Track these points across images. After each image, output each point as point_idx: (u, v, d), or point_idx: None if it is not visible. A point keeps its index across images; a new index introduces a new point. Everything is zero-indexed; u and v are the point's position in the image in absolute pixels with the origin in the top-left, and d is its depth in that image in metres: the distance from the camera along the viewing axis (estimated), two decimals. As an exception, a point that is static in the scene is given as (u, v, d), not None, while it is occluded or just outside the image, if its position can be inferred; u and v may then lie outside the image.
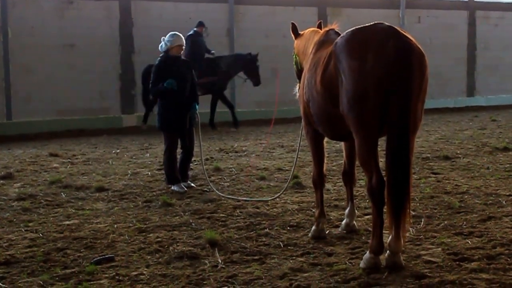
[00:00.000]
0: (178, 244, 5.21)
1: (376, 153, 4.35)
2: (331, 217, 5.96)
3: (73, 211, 6.62)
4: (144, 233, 5.61)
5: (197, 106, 7.87)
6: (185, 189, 7.56)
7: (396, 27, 4.34)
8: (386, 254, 4.37)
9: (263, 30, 17.78)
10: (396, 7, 20.21)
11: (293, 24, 6.19)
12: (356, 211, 5.61)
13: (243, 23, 17.81)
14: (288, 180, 7.00)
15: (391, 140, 4.22)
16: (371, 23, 4.44)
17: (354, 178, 5.62)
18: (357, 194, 6.74)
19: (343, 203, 6.30)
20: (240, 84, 15.68)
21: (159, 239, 5.37)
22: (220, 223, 5.94)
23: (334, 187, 7.46)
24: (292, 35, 6.17)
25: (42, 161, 10.38)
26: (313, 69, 4.89)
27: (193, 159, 8.34)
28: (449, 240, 5.00)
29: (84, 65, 15.73)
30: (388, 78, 4.11)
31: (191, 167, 8.48)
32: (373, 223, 4.42)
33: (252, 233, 5.49)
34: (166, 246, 5.14)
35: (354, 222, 5.50)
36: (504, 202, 6.36)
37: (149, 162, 9.95)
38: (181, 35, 7.86)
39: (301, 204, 6.61)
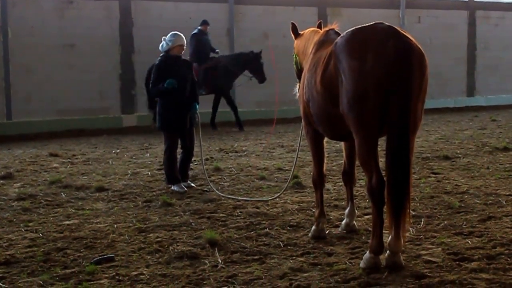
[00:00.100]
0: (178, 244, 5.21)
1: (376, 153, 4.35)
2: (331, 217, 5.97)
3: (73, 211, 6.63)
4: (144, 233, 5.62)
5: (197, 106, 7.87)
6: (185, 189, 7.56)
7: (396, 27, 4.34)
8: (386, 254, 4.37)
9: (263, 30, 17.78)
10: (396, 7, 20.21)
11: (293, 24, 6.19)
12: (356, 211, 5.61)
13: (243, 23, 17.82)
14: (288, 180, 7.00)
15: (391, 140, 4.22)
16: (371, 23, 4.44)
17: (354, 178, 5.62)
18: (357, 194, 6.74)
19: (343, 203, 6.30)
20: (240, 84, 15.64)
21: (159, 239, 5.37)
22: (220, 223, 5.94)
23: (334, 187, 7.46)
24: (292, 35, 6.17)
25: (42, 161, 10.38)
26: (313, 69, 4.89)
27: (193, 159, 8.34)
28: (449, 240, 5.00)
29: (84, 65, 15.72)
30: (388, 78, 4.11)
31: (191, 167, 8.48)
32: (373, 223, 4.42)
33: (252, 233, 5.50)
34: (166, 246, 5.14)
35: (354, 222, 5.50)
36: (504, 202, 6.36)
37: (149, 162, 9.95)
38: (182, 35, 7.86)
39: (301, 204, 6.61)
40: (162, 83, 7.54)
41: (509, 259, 4.45)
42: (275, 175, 8.48)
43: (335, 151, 10.26)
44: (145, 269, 4.59)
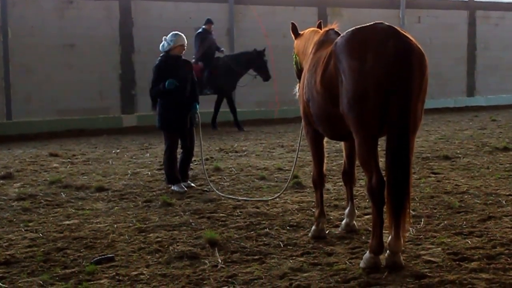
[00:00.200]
0: (178, 244, 5.21)
1: (376, 153, 4.35)
2: (331, 217, 5.97)
3: (73, 211, 6.63)
4: (144, 233, 5.62)
5: (197, 106, 7.87)
6: (185, 189, 7.56)
7: (396, 27, 4.34)
8: (386, 254, 4.37)
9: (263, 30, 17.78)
10: (396, 7, 20.20)
11: (293, 24, 6.18)
12: (356, 211, 5.61)
13: (243, 23, 17.81)
14: (288, 180, 7.00)
15: (391, 140, 4.22)
16: (371, 23, 4.44)
17: (354, 178, 5.62)
18: (357, 194, 6.74)
19: (343, 203, 6.30)
20: (245, 84, 15.60)
21: (159, 239, 5.37)
22: (220, 223, 5.94)
23: (334, 187, 7.46)
24: (292, 35, 6.17)
25: (42, 161, 10.38)
26: (313, 69, 4.89)
27: (193, 159, 8.34)
28: (449, 240, 5.00)
29: (84, 65, 15.71)
30: (388, 78, 4.11)
31: (191, 167, 8.48)
32: (373, 223, 4.42)
33: (252, 233, 5.50)
34: (166, 246, 5.15)
35: (354, 222, 5.50)
36: (504, 202, 6.36)
37: (149, 162, 9.95)
38: (183, 35, 7.85)
39: (301, 204, 6.61)
40: (163, 83, 7.55)
41: (509, 259, 4.45)
42: (275, 175, 8.48)
43: (335, 151, 10.26)
44: (145, 269, 4.59)
